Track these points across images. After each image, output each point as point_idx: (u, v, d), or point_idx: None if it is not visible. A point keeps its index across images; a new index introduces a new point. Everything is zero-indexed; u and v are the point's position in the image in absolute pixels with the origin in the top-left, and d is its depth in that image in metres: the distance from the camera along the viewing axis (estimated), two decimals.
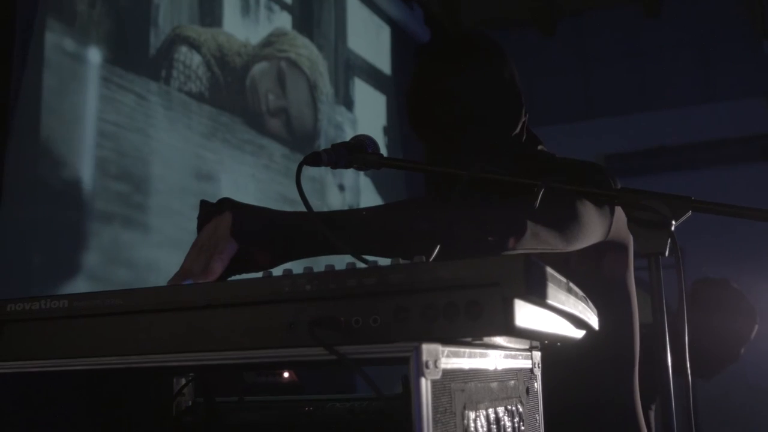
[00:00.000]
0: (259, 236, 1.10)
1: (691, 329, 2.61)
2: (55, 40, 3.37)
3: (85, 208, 3.48)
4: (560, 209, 1.27)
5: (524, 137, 1.54)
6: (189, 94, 4.08)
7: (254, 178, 4.49)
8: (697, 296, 2.79)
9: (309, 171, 5.14)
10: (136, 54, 3.83)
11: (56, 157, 3.38)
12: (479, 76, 1.49)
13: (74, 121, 3.45)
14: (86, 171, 3.51)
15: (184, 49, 4.11)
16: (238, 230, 1.08)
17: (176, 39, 4.07)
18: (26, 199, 3.20)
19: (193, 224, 1.16)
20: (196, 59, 4.18)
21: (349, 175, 5.32)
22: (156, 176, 3.85)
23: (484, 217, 1.19)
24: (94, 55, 3.59)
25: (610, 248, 1.47)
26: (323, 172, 5.03)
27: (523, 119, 1.53)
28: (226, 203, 1.13)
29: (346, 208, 5.21)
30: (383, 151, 1.28)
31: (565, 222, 1.27)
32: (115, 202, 3.62)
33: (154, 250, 3.71)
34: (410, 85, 1.54)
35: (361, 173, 5.45)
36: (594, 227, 1.35)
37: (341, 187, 5.30)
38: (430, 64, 1.53)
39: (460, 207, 1.19)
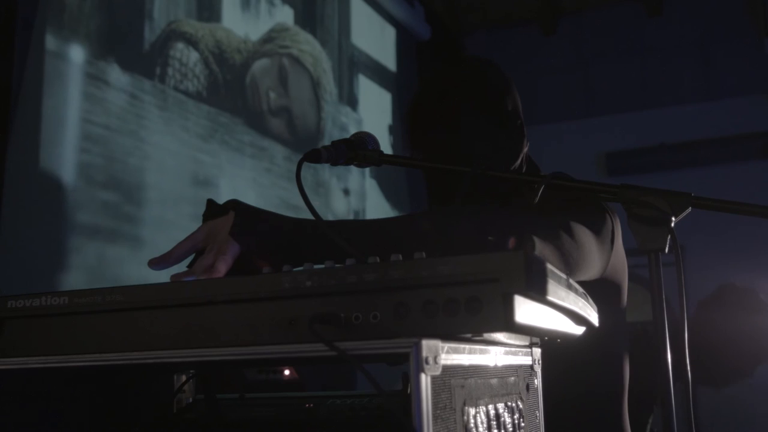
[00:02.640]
0: (260, 239, 1.10)
1: (710, 335, 2.58)
2: (40, 34, 3.08)
3: (65, 221, 3.14)
4: (564, 237, 1.25)
5: (524, 169, 1.54)
6: (185, 93, 3.86)
7: (255, 183, 4.27)
8: (721, 302, 2.74)
9: (314, 175, 4.98)
10: (129, 50, 3.56)
11: (33, 164, 3.03)
12: (481, 101, 1.48)
13: (56, 122, 3.14)
14: (68, 179, 3.17)
15: (180, 45, 3.89)
16: (239, 232, 1.08)
17: (172, 34, 3.85)
18: None
19: None
20: (193, 56, 3.96)
21: (354, 179, 5.23)
22: (148, 183, 3.54)
23: (492, 237, 1.17)
24: (83, 51, 3.30)
25: (608, 282, 1.45)
26: (327, 177, 4.94)
27: (524, 151, 1.53)
28: (231, 204, 1.14)
29: (350, 212, 5.16)
30: (388, 150, 1.28)
31: (568, 249, 1.25)
32: (102, 214, 3.28)
33: (145, 266, 3.13)
34: (411, 107, 1.53)
35: (367, 177, 5.40)
36: (594, 260, 1.32)
37: (346, 192, 5.15)
38: (433, 85, 1.52)
39: (467, 222, 1.17)
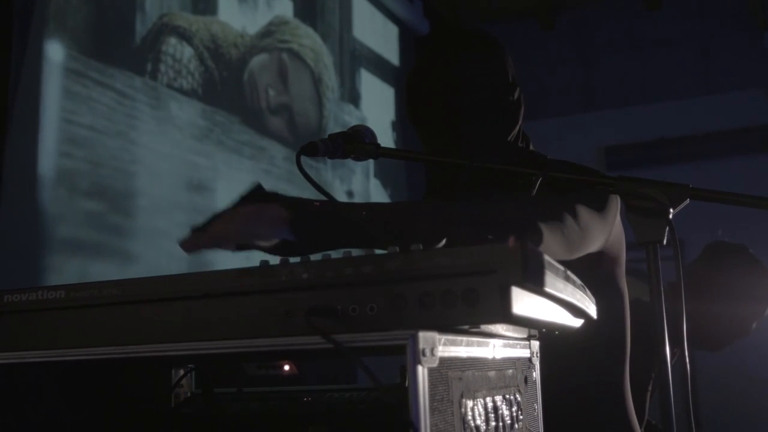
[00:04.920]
0: (314, 236, 1.11)
1: (702, 296, 2.50)
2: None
3: (44, 236, 2.83)
4: (568, 220, 1.25)
5: (520, 139, 1.54)
6: (179, 90, 3.63)
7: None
8: (710, 261, 2.63)
9: (316, 176, 4.87)
10: (118, 45, 3.33)
11: (8, 170, 2.74)
12: (481, 70, 1.47)
13: (37, 124, 2.86)
14: (47, 187, 2.87)
15: (173, 40, 3.66)
16: (299, 228, 1.07)
17: (164, 28, 3.62)
18: None
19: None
20: (187, 51, 3.74)
21: (357, 180, 5.16)
22: (139, 190, 3.26)
23: (493, 223, 1.17)
24: (66, 46, 3.04)
25: (605, 255, 1.46)
26: (331, 178, 4.85)
27: (520, 122, 1.52)
28: (282, 199, 1.14)
29: None
30: (391, 147, 1.28)
31: (571, 234, 1.25)
32: (85, 226, 2.98)
33: None
34: (410, 76, 1.52)
35: (371, 178, 5.38)
36: (594, 236, 1.35)
37: (349, 193, 5.03)
38: (432, 55, 1.51)
39: (467, 211, 1.17)
